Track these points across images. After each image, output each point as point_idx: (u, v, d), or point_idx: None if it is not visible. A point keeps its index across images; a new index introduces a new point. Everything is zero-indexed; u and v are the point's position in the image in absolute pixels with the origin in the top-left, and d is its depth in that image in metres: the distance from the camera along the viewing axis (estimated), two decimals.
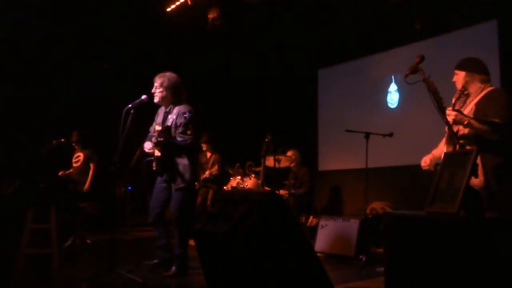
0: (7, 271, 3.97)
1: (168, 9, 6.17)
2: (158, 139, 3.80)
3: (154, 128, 4.01)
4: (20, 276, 3.88)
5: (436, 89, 2.78)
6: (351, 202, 7.28)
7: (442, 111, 2.79)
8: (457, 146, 2.84)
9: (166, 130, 3.86)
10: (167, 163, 3.88)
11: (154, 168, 3.96)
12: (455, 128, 2.95)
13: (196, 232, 2.64)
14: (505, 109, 2.93)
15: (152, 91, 3.99)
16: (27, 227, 4.04)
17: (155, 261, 3.98)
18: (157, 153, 3.91)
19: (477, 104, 3.04)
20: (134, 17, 6.38)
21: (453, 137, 2.91)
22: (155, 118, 4.14)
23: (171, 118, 3.95)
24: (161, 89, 3.95)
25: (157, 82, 3.97)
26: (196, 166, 4.12)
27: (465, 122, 2.88)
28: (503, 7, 5.76)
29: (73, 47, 7.13)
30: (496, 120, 2.87)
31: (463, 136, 2.93)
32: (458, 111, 2.91)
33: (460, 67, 3.18)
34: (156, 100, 3.99)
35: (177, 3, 6.05)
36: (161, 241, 3.98)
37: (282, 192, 6.00)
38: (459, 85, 3.13)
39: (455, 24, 6.29)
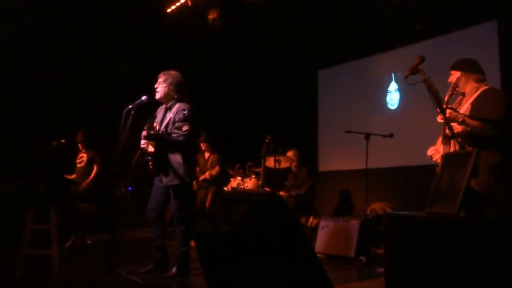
0: (7, 272, 3.97)
1: (168, 10, 6.17)
2: (146, 133, 3.78)
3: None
4: (20, 277, 3.88)
5: (436, 89, 2.79)
6: (351, 203, 7.29)
7: (443, 112, 2.80)
8: (453, 143, 2.86)
9: (149, 122, 3.84)
10: (161, 160, 3.84)
11: (150, 167, 3.94)
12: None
13: (196, 232, 2.64)
14: (499, 107, 2.96)
15: (155, 86, 3.99)
16: (27, 227, 4.04)
17: (151, 265, 3.95)
18: (151, 148, 3.88)
19: (472, 104, 3.07)
20: (134, 17, 6.38)
21: (447, 136, 2.93)
22: (156, 115, 4.10)
23: (169, 115, 3.93)
24: (164, 85, 3.95)
25: (161, 78, 3.99)
26: (193, 164, 4.08)
27: (460, 120, 2.90)
28: (503, 8, 5.76)
29: (73, 47, 7.12)
30: (490, 117, 2.89)
31: (458, 134, 2.94)
32: (452, 108, 2.93)
33: (455, 67, 3.22)
34: (157, 96, 3.98)
35: (177, 4, 6.05)
36: (157, 242, 3.96)
37: (282, 193, 5.99)
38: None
39: (455, 25, 6.29)
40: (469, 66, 3.18)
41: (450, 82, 3.18)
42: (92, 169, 6.27)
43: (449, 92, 3.04)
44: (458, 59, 3.26)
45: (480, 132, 2.91)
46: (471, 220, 2.01)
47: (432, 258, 1.99)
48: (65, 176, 6.25)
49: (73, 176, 6.32)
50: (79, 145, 6.40)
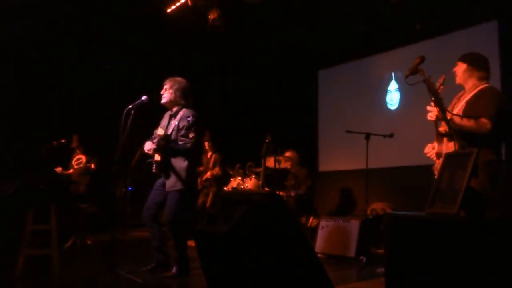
0: (7, 272, 3.97)
1: (169, 10, 6.17)
2: (157, 145, 3.87)
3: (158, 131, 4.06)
4: (21, 277, 3.88)
5: (436, 89, 2.78)
6: (351, 203, 7.29)
7: (443, 112, 2.79)
8: (445, 140, 2.85)
9: (165, 138, 3.89)
10: (166, 166, 3.92)
11: (153, 170, 4.00)
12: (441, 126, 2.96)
13: (197, 232, 2.64)
14: (492, 106, 2.93)
15: (161, 92, 4.09)
16: (27, 227, 4.04)
17: (152, 265, 3.97)
18: (157, 157, 3.96)
19: (467, 102, 3.05)
20: (134, 17, 6.38)
21: (440, 134, 2.93)
22: (161, 121, 4.19)
23: (174, 122, 4.00)
24: (170, 91, 4.05)
25: (167, 84, 4.09)
26: (196, 169, 4.16)
27: (448, 118, 2.87)
28: (503, 8, 5.76)
29: (73, 47, 7.13)
30: (482, 115, 2.87)
31: (448, 133, 2.91)
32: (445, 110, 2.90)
33: (463, 59, 3.20)
34: (163, 101, 4.08)
35: (178, 4, 6.05)
36: (154, 242, 3.99)
37: (282, 193, 5.99)
38: (458, 77, 3.16)
39: (455, 25, 6.29)
40: (476, 61, 3.14)
41: (455, 72, 3.17)
42: (90, 169, 6.27)
43: (438, 84, 2.97)
44: (469, 52, 3.22)
45: (469, 130, 2.89)
46: (471, 220, 2.00)
47: (432, 258, 1.98)
48: (58, 169, 6.25)
49: (71, 171, 6.32)
50: (76, 149, 6.41)
